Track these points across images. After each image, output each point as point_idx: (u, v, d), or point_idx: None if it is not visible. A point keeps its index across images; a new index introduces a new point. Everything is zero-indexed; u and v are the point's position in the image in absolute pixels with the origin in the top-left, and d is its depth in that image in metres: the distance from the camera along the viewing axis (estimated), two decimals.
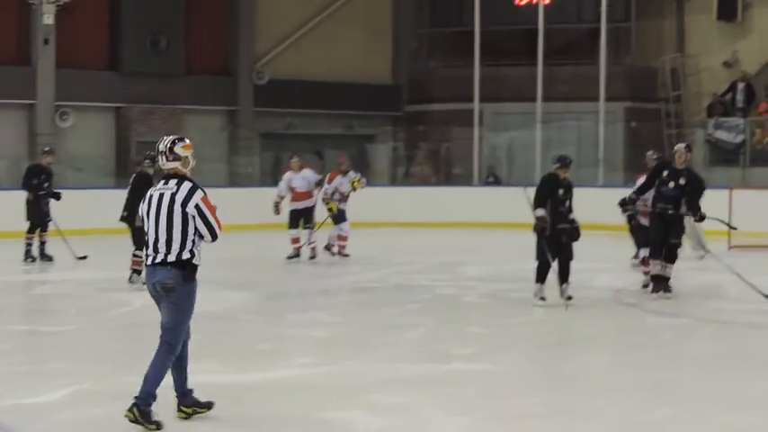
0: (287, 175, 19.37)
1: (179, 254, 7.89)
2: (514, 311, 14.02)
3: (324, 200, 19.25)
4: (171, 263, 7.89)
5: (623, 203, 15.08)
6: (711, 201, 20.34)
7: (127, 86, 28.54)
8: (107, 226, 19.62)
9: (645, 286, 15.10)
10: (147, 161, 15.33)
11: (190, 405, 8.14)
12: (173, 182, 8.05)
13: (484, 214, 26.79)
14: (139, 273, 15.15)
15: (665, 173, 14.56)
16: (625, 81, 31.86)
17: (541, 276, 13.97)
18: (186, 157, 8.08)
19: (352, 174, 19.62)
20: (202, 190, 8.09)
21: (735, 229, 16.23)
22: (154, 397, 7.87)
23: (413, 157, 33.33)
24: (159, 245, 7.94)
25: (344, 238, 19.49)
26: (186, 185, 8.01)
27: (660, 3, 33.50)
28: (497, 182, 31.06)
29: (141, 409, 7.78)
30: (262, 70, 30.84)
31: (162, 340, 7.97)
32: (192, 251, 7.94)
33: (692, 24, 33.19)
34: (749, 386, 9.67)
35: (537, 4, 31.25)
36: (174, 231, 7.91)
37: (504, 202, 26.90)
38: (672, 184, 14.42)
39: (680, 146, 15.04)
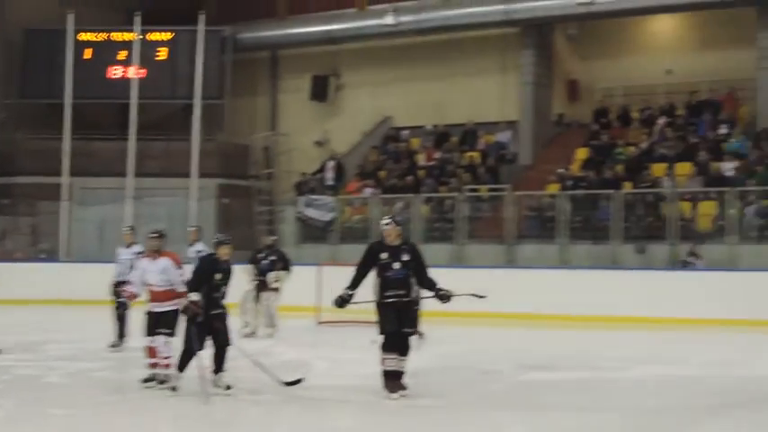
0: None
1: None
2: (99, 392, 13.44)
3: None
4: None
5: (341, 304, 12.93)
6: (302, 277, 20.60)
7: None
8: None
9: (147, 380, 13.32)
10: None
11: None
12: None
13: (68, 291, 26.20)
14: None
15: (384, 255, 12.71)
16: (218, 158, 32.19)
17: (183, 365, 12.85)
18: None
19: None
20: None
21: (484, 297, 15.36)
22: None
23: None
24: None
25: None
26: None
27: (254, 82, 34.10)
28: (52, 258, 30.27)
29: None
30: None
31: None
32: None
33: (285, 103, 34.00)
34: None
35: (130, 78, 31.12)
36: None
37: (88, 278, 26.33)
38: (398, 265, 12.64)
39: (386, 222, 12.98)
